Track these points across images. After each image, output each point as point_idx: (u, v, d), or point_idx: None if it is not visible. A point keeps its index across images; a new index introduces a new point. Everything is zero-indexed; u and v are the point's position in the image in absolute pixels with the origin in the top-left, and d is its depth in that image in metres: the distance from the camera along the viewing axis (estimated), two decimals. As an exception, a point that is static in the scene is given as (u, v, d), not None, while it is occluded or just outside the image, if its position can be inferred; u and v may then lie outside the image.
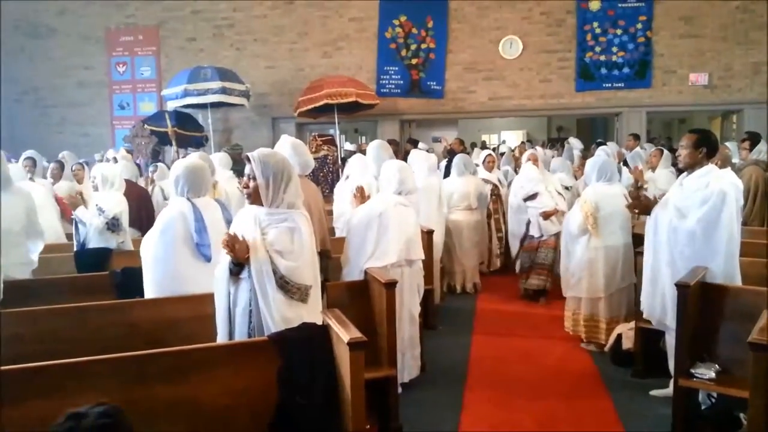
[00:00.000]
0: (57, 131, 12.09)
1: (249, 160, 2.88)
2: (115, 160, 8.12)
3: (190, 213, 3.50)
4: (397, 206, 4.26)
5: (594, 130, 15.78)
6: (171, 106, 10.05)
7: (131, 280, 3.93)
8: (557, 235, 6.21)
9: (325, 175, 9.06)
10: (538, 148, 8.53)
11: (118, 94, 12.07)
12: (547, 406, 4.12)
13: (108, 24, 12.04)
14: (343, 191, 5.97)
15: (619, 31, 10.99)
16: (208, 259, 3.46)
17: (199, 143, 10.45)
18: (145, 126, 9.65)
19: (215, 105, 10.09)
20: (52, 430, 1.64)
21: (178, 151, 9.69)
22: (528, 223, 6.41)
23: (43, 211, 5.27)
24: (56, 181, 6.76)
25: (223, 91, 9.66)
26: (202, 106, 10.07)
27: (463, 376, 4.64)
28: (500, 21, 11.30)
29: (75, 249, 4.81)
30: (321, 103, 9.77)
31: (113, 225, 4.61)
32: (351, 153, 9.36)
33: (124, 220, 4.73)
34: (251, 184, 2.86)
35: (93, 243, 4.65)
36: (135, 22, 12.02)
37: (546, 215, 6.21)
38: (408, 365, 4.37)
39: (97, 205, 4.67)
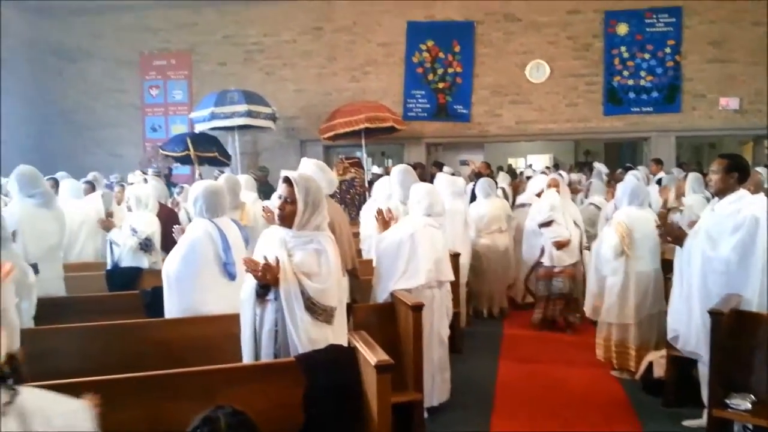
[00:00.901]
0: (91, 152, 12.37)
1: (289, 182, 2.88)
2: (146, 180, 8.25)
3: (215, 233, 3.55)
4: (427, 227, 4.27)
5: (622, 155, 15.63)
6: (199, 128, 10.21)
7: (161, 299, 3.99)
8: (575, 264, 6.17)
9: (352, 198, 9.11)
10: (563, 173, 8.49)
11: (150, 116, 12.35)
12: (575, 435, 4.04)
13: (142, 48, 12.36)
14: (369, 214, 5.99)
15: (647, 56, 10.94)
16: (233, 277, 3.51)
17: (222, 164, 10.60)
18: (161, 151, 9.83)
19: (243, 127, 10.24)
20: None
21: (201, 173, 9.82)
22: (542, 250, 6.29)
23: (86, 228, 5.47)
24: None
25: (249, 114, 9.79)
26: (230, 128, 10.22)
27: (491, 401, 4.58)
28: (526, 45, 11.34)
29: (108, 268, 4.89)
30: (360, 126, 9.87)
31: (146, 245, 4.70)
32: (378, 176, 9.39)
33: (157, 241, 4.81)
34: (287, 207, 2.87)
35: (126, 262, 4.73)
36: (168, 47, 12.32)
37: (558, 245, 6.09)
38: (438, 389, 4.34)
39: (130, 225, 4.76)
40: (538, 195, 6.86)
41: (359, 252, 5.58)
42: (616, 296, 4.89)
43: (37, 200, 4.44)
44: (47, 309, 3.80)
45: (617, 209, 5.20)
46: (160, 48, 12.34)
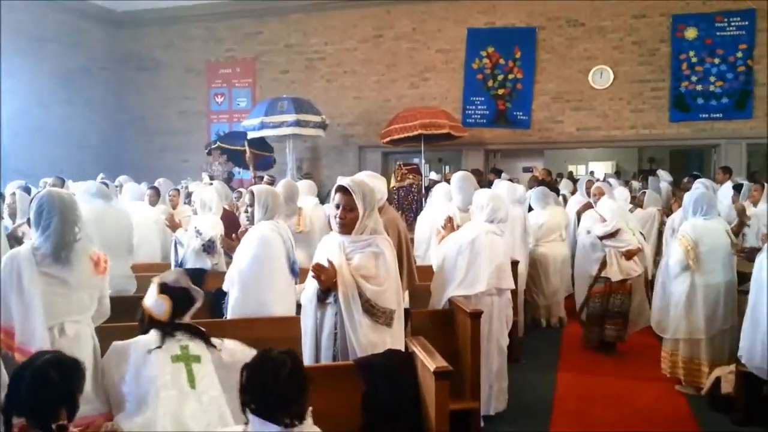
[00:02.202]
0: (158, 157, 12.84)
1: (345, 191, 2.93)
2: (211, 184, 8.49)
3: (284, 232, 3.67)
4: (489, 234, 4.22)
5: (688, 163, 15.09)
6: (250, 136, 10.43)
7: (222, 301, 4.11)
8: (632, 279, 5.77)
9: (410, 203, 9.13)
10: (612, 181, 8.24)
11: (215, 123, 12.71)
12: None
13: (208, 57, 12.77)
14: (425, 219, 5.99)
15: (717, 60, 10.53)
16: (297, 276, 3.62)
17: (268, 164, 10.74)
18: (218, 144, 10.03)
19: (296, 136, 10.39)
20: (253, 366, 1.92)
21: (255, 176, 10.01)
22: (602, 264, 5.75)
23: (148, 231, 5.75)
24: (152, 206, 7.17)
25: (298, 123, 9.86)
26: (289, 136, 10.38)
27: (548, 413, 4.50)
28: (590, 51, 11.10)
29: (172, 268, 5.07)
30: (415, 133, 9.86)
31: (209, 247, 4.84)
32: (435, 182, 9.37)
33: (220, 243, 4.96)
34: (348, 215, 2.91)
35: (190, 264, 4.88)
36: (233, 56, 12.68)
37: (629, 255, 5.62)
38: (495, 398, 4.30)
39: (195, 227, 4.92)
40: (579, 213, 6.59)
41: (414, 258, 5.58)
42: (683, 311, 4.71)
43: (104, 201, 4.75)
44: (115, 306, 3.97)
45: (685, 220, 5.03)
46: (225, 56, 12.71)
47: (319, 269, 2.79)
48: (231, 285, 3.80)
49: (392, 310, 2.89)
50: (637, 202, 7.46)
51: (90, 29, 12.39)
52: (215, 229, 4.94)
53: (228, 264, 4.41)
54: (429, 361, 2.71)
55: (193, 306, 2.85)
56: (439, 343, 3.23)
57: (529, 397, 4.78)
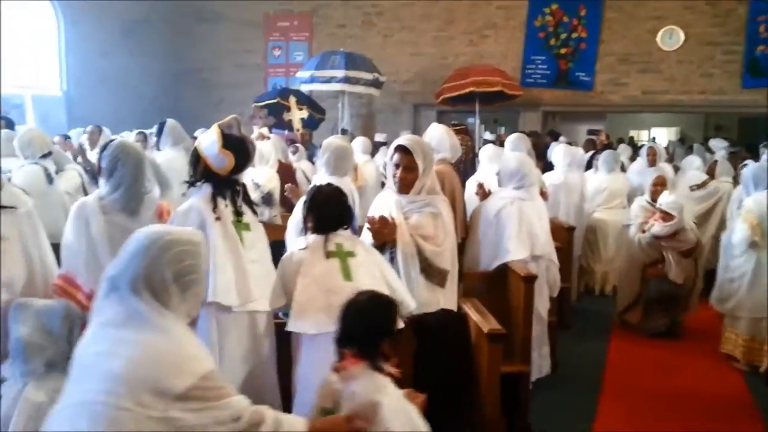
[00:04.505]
0: (216, 110, 12.96)
1: (406, 150, 2.90)
2: (268, 138, 8.50)
3: (346, 189, 3.66)
4: (515, 202, 4.00)
5: (758, 132, 14.35)
6: (302, 89, 10.38)
7: (278, 252, 4.16)
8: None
9: (457, 165, 8.96)
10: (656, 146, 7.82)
11: (272, 77, 12.76)
12: (688, 427, 3.84)
13: (267, 10, 12.73)
14: (474, 182, 5.89)
15: (797, 23, 9.90)
16: (356, 232, 3.62)
17: (314, 124, 10.45)
18: (254, 104, 9.95)
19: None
20: None
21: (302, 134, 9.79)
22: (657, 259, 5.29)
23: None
24: None
25: (347, 80, 9.72)
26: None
27: (598, 382, 4.46)
28: (660, 10, 10.57)
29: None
30: (466, 90, 9.65)
31: (267, 199, 4.90)
32: (489, 142, 9.14)
33: (277, 195, 5.02)
34: (409, 175, 2.88)
35: (246, 215, 4.96)
36: (291, 9, 12.60)
37: (686, 253, 5.19)
38: (536, 363, 4.26)
39: (252, 180, 4.98)
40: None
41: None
42: (747, 288, 4.52)
43: (179, 151, 4.85)
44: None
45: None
46: (283, 9, 12.65)
47: (382, 223, 2.78)
48: (293, 236, 3.82)
49: (447, 270, 2.89)
50: (708, 171, 7.10)
51: (151, -19, 12.50)
52: (272, 182, 5.00)
53: (285, 218, 4.46)
54: (483, 323, 2.71)
55: (250, 162, 2.89)
56: (491, 306, 3.22)
57: (579, 364, 4.74)
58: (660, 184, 5.52)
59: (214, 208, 2.66)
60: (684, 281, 5.30)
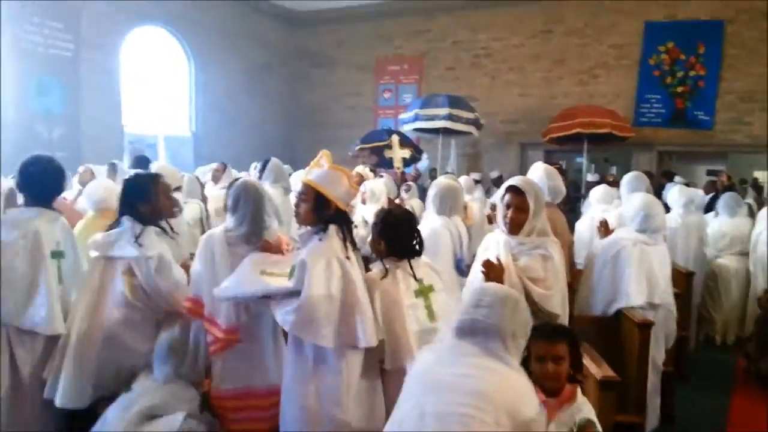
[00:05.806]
0: (327, 149, 13.53)
1: (518, 191, 2.91)
2: (381, 176, 8.68)
3: (453, 229, 3.76)
4: (637, 245, 3.87)
5: None
6: (405, 129, 10.61)
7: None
8: None
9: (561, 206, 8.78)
10: None
11: (382, 118, 13.20)
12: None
13: (378, 54, 13.25)
14: (585, 223, 5.78)
15: None
16: (464, 275, 3.68)
17: (410, 163, 10.54)
18: (361, 145, 10.21)
19: (449, 132, 10.34)
20: None
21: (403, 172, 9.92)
22: None
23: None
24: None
25: (450, 117, 9.87)
26: (436, 132, 10.38)
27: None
28: (787, 46, 9.98)
29: None
30: (572, 131, 9.52)
31: (376, 236, 5.07)
32: (593, 184, 8.82)
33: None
34: (520, 216, 2.89)
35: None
36: (401, 53, 13.05)
37: None
38: (647, 414, 4.08)
39: (362, 216, 5.19)
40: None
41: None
42: None
43: (277, 189, 5.16)
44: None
45: None
46: (394, 53, 13.11)
47: (489, 266, 2.82)
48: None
49: (557, 314, 2.86)
50: None
51: (274, 27, 13.39)
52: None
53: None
54: (595, 369, 2.66)
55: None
56: (602, 352, 3.15)
57: (696, 418, 4.48)
58: None
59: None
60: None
